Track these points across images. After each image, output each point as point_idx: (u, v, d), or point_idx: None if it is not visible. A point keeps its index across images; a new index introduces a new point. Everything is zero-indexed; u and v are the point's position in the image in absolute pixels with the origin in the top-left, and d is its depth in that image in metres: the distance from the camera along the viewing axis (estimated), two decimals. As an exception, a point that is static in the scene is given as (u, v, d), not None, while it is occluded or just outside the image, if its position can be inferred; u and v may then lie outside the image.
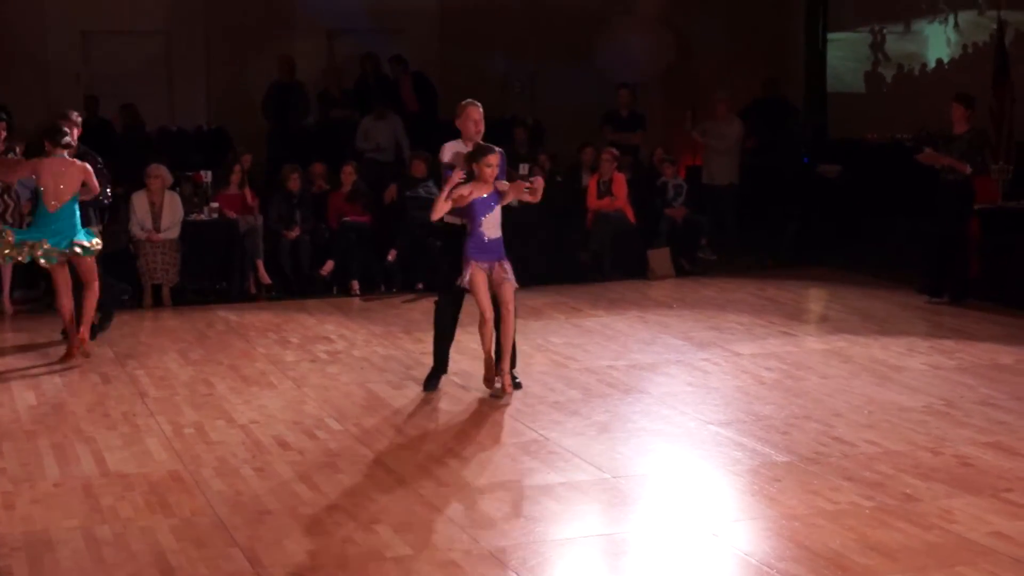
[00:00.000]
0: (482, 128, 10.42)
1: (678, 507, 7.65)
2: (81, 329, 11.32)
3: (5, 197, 13.24)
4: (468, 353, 11.20)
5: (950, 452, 8.58)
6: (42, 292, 13.92)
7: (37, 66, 18.27)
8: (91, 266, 11.30)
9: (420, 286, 14.95)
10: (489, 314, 9.95)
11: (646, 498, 7.85)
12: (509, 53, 19.76)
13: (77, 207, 11.17)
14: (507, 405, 9.87)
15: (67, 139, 11.26)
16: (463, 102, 10.53)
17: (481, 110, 10.42)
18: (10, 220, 12.96)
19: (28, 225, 11.96)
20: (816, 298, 14.52)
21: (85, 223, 11.26)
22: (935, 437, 8.92)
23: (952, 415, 9.49)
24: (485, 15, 19.67)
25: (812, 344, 11.99)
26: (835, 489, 7.82)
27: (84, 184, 11.17)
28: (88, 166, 11.24)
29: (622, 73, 18.65)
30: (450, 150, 10.40)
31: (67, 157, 11.18)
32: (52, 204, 11.02)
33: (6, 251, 11.08)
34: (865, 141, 18.52)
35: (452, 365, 10.58)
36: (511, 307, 10.01)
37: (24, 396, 10.31)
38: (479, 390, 10.28)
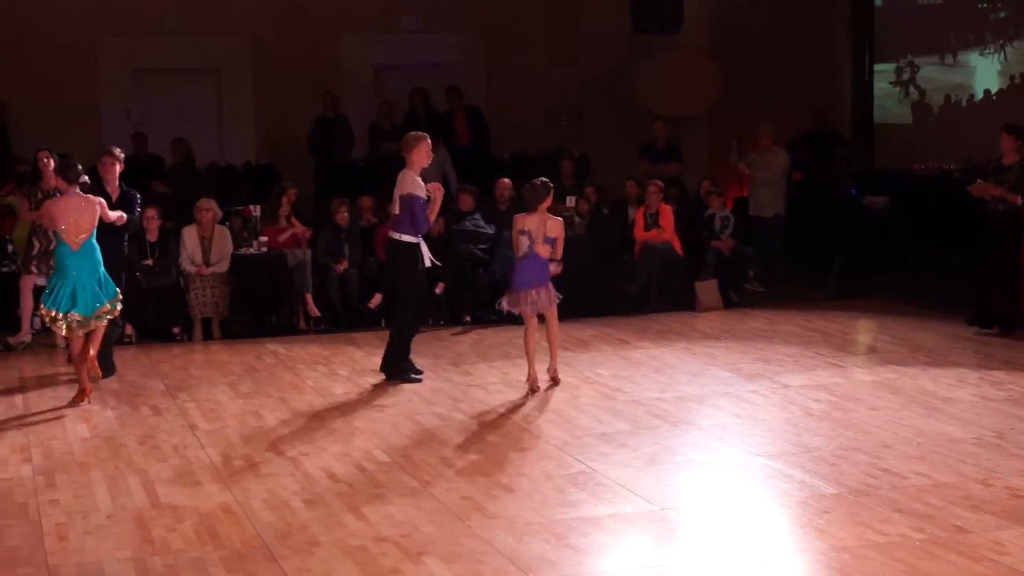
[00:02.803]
0: (428, 162, 11.96)
1: (726, 539, 7.65)
2: (91, 350, 11.30)
3: (33, 240, 13.41)
4: (515, 386, 11.25)
5: (1000, 484, 8.53)
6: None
7: (89, 104, 18.45)
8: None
9: (467, 319, 15.00)
10: None
11: (694, 530, 7.85)
12: (556, 87, 19.82)
13: (96, 243, 11.27)
14: (554, 436, 9.88)
15: (82, 177, 11.40)
16: (413, 134, 12.03)
17: (429, 143, 11.92)
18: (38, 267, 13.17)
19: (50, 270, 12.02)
20: (864, 329, 14.48)
21: (127, 263, 11.31)
22: (985, 469, 8.87)
23: (1002, 447, 9.43)
24: (531, 48, 19.75)
25: (861, 375, 11.95)
26: (885, 521, 7.79)
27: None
28: (102, 200, 11.39)
29: (667, 106, 18.68)
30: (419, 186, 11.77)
31: (81, 193, 11.30)
32: (74, 242, 11.13)
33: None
34: (912, 172, 18.46)
35: (500, 397, 10.67)
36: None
37: (77, 429, 10.41)
38: (528, 422, 10.30)
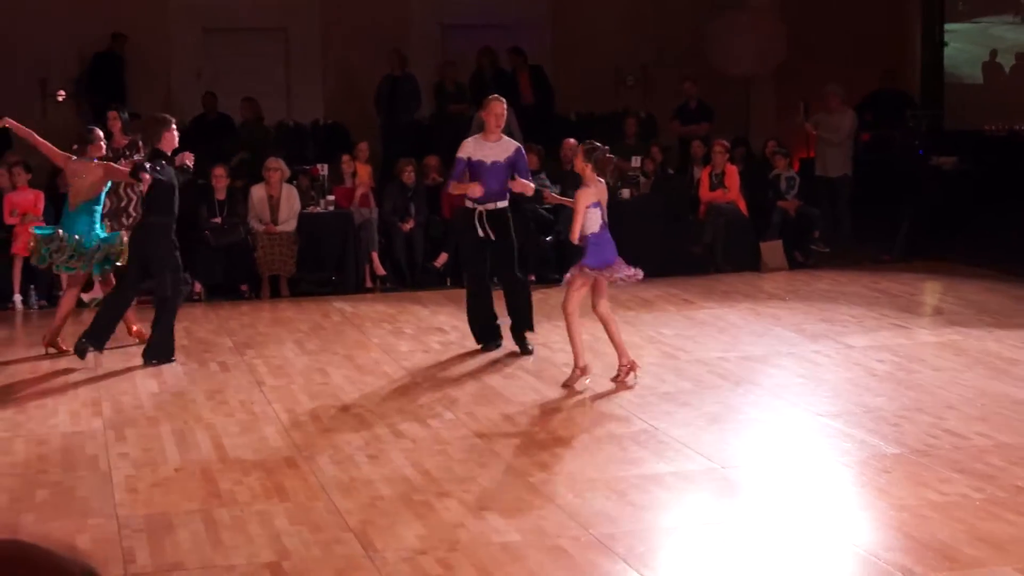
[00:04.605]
0: (503, 123, 11.24)
1: (786, 497, 7.68)
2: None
3: (120, 192, 13.55)
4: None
5: (1063, 445, 8.51)
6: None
7: (160, 62, 18.63)
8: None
9: (532, 277, 15.05)
10: None
11: (754, 488, 7.89)
12: (622, 45, 19.78)
13: (96, 213, 11.49)
14: (616, 395, 9.94)
15: (93, 144, 11.66)
16: (489, 96, 11.47)
17: (505, 105, 11.25)
18: (127, 217, 13.29)
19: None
20: (930, 291, 14.42)
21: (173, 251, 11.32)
22: (1048, 430, 8.85)
23: (1066, 408, 9.41)
24: (597, 7, 19.71)
25: (925, 337, 11.92)
26: (945, 481, 7.79)
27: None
28: (109, 165, 11.61)
29: (735, 66, 18.62)
30: (471, 142, 11.29)
31: (86, 160, 11.48)
32: (71, 203, 11.47)
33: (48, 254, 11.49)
34: (983, 132, 18.30)
35: (563, 356, 10.71)
36: None
37: (146, 384, 10.58)
38: (592, 381, 10.35)
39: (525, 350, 11.29)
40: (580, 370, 10.26)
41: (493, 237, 11.10)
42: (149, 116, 11.99)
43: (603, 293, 10.26)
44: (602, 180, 10.32)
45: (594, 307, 10.28)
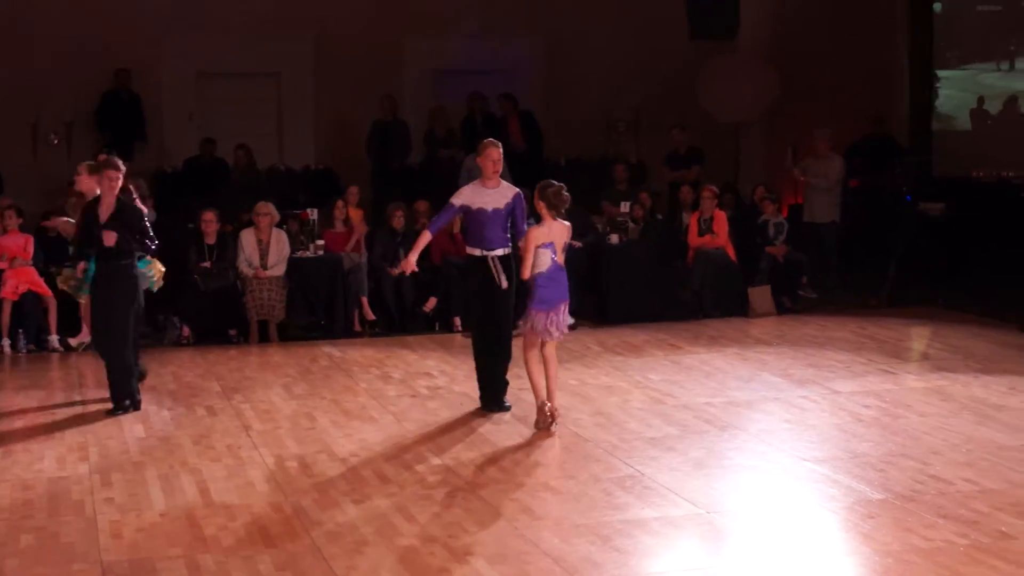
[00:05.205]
0: (500, 168, 10.94)
1: (772, 543, 7.69)
2: None
3: None
4: (566, 389, 11.31)
5: (1048, 491, 8.54)
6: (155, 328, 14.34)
7: (152, 106, 18.66)
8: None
9: (521, 322, 15.04)
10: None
11: (740, 534, 7.90)
12: (613, 91, 19.86)
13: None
14: (602, 439, 9.94)
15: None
16: (484, 141, 11.06)
17: (501, 149, 10.93)
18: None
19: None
20: (918, 336, 14.43)
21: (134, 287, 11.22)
22: (1033, 476, 8.87)
23: (1052, 454, 9.43)
24: (588, 53, 19.79)
25: (912, 382, 11.93)
26: (930, 527, 7.81)
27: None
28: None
29: (726, 112, 18.70)
30: (469, 190, 10.97)
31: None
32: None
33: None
34: (971, 179, 18.36)
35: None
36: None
37: (133, 429, 10.56)
38: (577, 426, 10.37)
39: (503, 407, 11.05)
40: (541, 408, 10.34)
41: (506, 285, 10.77)
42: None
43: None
44: (559, 219, 10.30)
45: (541, 345, 10.34)
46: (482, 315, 11.02)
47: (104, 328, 11.01)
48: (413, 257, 10.96)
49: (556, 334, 10.31)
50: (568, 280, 10.46)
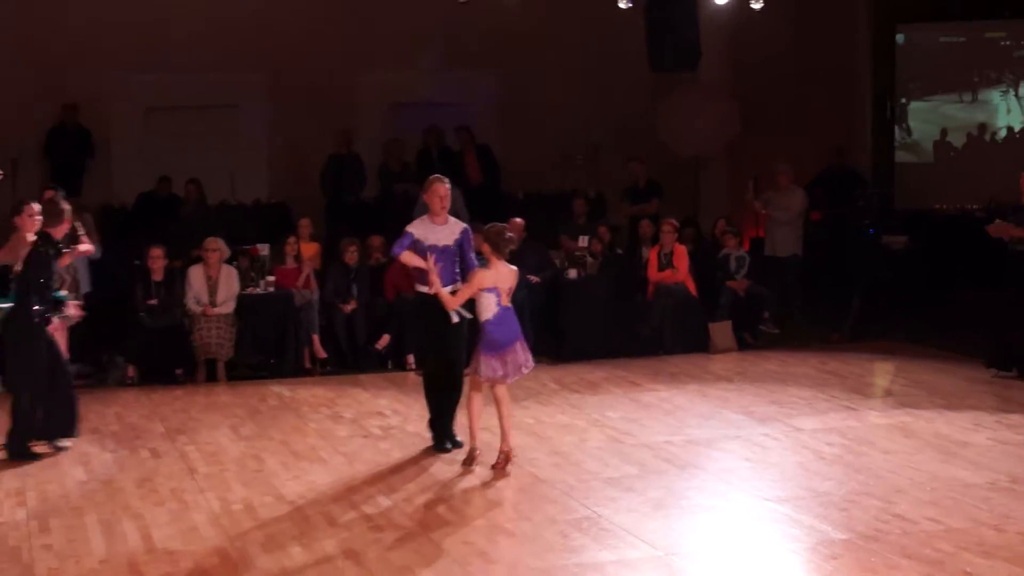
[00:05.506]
0: (448, 204, 10.77)
1: (731, 587, 7.45)
2: None
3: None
4: (521, 428, 11.06)
5: (1014, 529, 8.33)
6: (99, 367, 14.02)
7: (101, 140, 18.38)
8: None
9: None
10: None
11: (699, 577, 7.65)
12: (571, 124, 19.68)
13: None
14: (558, 480, 9.68)
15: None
16: (431, 177, 10.93)
17: (448, 185, 10.78)
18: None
19: None
20: (881, 372, 14.23)
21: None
22: (999, 514, 8.66)
23: (1017, 491, 9.22)
24: (546, 86, 19.62)
25: (875, 419, 11.72)
26: (893, 567, 7.61)
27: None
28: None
29: (686, 145, 18.53)
30: (420, 224, 10.76)
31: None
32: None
33: None
34: (933, 212, 18.27)
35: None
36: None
37: (73, 472, 10.26)
38: (533, 466, 10.11)
39: (455, 443, 10.80)
40: (472, 451, 10.21)
41: (461, 318, 10.39)
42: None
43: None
44: (504, 263, 10.03)
45: (492, 386, 10.07)
46: (434, 350, 10.83)
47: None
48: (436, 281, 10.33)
49: (511, 377, 10.01)
50: (523, 315, 10.21)
